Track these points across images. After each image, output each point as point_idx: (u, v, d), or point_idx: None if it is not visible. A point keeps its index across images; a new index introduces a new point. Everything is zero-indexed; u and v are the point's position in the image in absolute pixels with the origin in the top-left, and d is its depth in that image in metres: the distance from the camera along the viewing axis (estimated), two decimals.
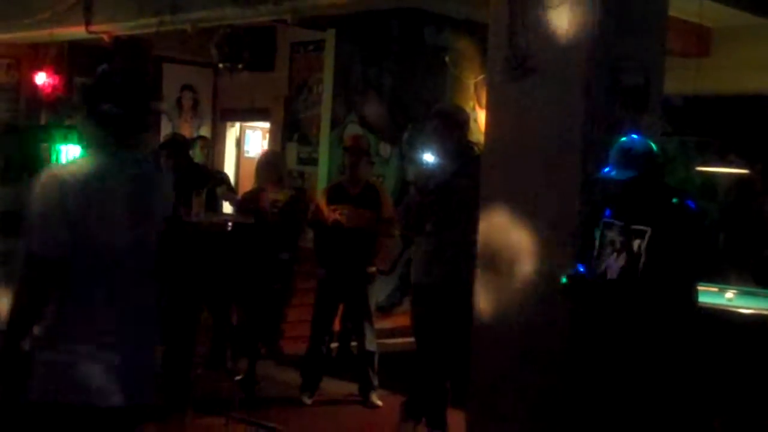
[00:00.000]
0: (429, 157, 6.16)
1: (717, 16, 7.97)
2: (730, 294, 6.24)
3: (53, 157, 10.94)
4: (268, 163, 7.77)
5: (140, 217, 3.42)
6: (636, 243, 4.63)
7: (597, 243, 4.81)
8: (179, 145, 8.28)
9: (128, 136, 3.41)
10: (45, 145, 11.08)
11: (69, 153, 11.00)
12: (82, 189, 3.26)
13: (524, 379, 5.33)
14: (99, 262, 3.30)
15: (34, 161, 5.29)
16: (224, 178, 9.60)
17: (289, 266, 7.57)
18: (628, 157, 4.67)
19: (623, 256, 4.67)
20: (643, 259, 4.59)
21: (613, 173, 4.68)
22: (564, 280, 4.85)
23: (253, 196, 7.77)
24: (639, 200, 4.71)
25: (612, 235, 4.75)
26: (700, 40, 8.87)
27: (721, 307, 5.81)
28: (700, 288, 4.96)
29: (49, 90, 11.42)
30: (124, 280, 3.37)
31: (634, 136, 4.79)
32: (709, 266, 5.34)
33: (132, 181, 3.42)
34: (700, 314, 4.89)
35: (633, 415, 4.68)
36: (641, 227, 4.63)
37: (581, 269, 4.81)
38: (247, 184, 8.82)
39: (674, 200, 4.75)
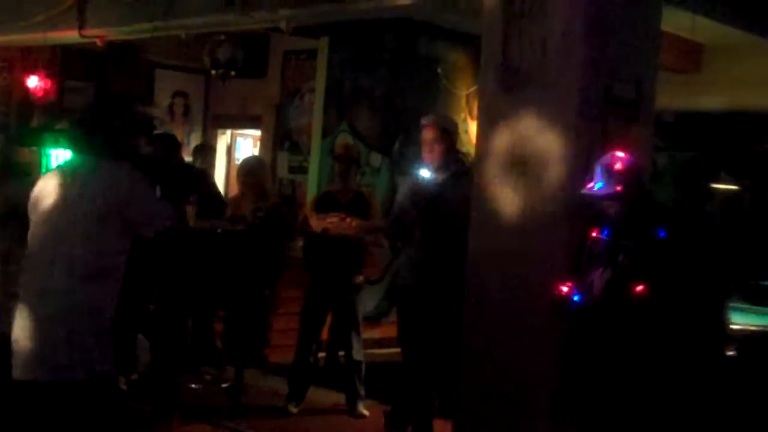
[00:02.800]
0: (419, 168, 6.17)
1: (709, 33, 8.02)
2: None
3: (43, 161, 10.92)
4: (248, 171, 7.74)
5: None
6: (620, 258, 4.65)
7: (584, 257, 4.83)
8: (170, 139, 8.27)
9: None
10: (34, 148, 11.05)
11: (59, 157, 10.98)
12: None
13: (512, 389, 5.33)
14: None
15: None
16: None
17: (275, 274, 7.56)
18: (612, 172, 4.69)
19: (608, 270, 4.69)
20: (626, 274, 4.61)
21: (597, 188, 4.71)
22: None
23: (234, 203, 7.77)
24: (623, 215, 4.73)
25: (599, 249, 4.77)
26: (691, 56, 8.92)
27: None
28: None
29: (41, 94, 11.40)
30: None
31: (618, 152, 4.81)
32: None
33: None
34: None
35: (620, 426, 4.69)
36: (625, 242, 4.66)
37: (575, 295, 4.81)
38: (235, 190, 8.81)
39: (660, 215, 4.78)
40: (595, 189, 4.71)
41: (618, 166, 4.69)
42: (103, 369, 3.93)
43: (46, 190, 4.01)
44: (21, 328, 3.94)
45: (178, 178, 7.60)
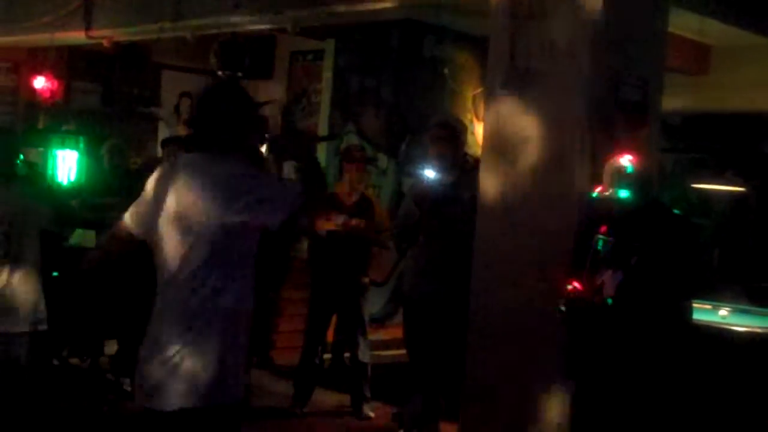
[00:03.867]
0: (425, 169, 6.16)
1: (717, 35, 8.00)
2: (724, 311, 6.24)
3: (50, 162, 10.94)
4: None
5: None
6: (632, 259, 4.64)
7: (591, 258, 4.82)
8: (182, 141, 8.31)
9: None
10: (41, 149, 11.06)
11: (66, 158, 10.99)
12: None
13: (516, 392, 5.33)
14: None
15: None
16: None
17: (281, 276, 7.56)
18: (624, 175, 4.68)
19: (619, 272, 4.67)
20: (638, 275, 4.61)
21: (609, 191, 4.70)
22: (562, 308, 4.85)
23: None
24: (634, 218, 4.72)
25: (607, 251, 4.76)
26: (699, 58, 8.90)
27: (715, 325, 5.81)
28: (693, 305, 4.97)
29: (47, 94, 11.41)
30: None
31: (629, 155, 4.81)
32: (702, 283, 5.36)
33: None
34: (694, 331, 4.90)
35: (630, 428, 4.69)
36: (636, 244, 4.65)
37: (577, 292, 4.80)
38: None
39: (668, 218, 4.79)
40: (609, 192, 4.70)
41: (632, 169, 4.69)
42: (216, 400, 3.43)
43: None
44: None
45: None
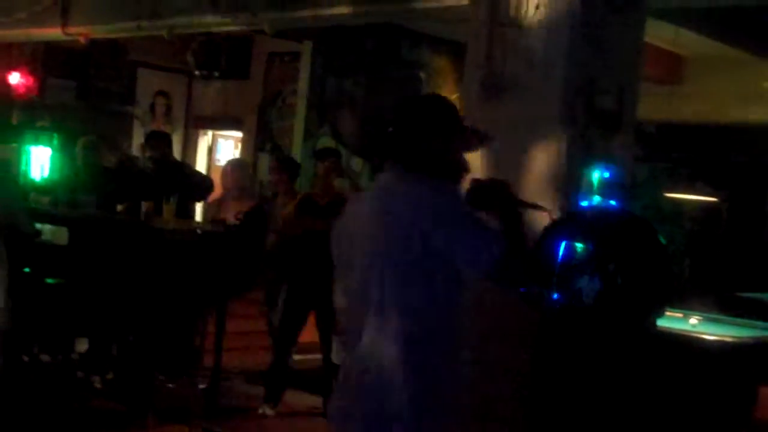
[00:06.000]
0: None
1: (691, 45, 8.07)
2: (694, 320, 6.28)
3: (23, 158, 10.89)
4: (232, 172, 7.80)
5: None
6: (610, 267, 4.66)
7: (562, 263, 4.82)
8: (162, 137, 8.30)
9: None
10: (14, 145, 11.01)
11: (39, 155, 10.94)
12: None
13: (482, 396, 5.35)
14: None
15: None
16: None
17: (253, 276, 7.56)
18: (604, 185, 4.70)
19: (597, 279, 4.68)
20: (617, 283, 4.62)
21: (588, 200, 4.71)
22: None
23: (215, 205, 7.77)
24: (612, 226, 4.74)
25: (581, 258, 4.76)
26: (673, 68, 8.97)
27: (686, 333, 5.85)
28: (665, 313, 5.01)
29: (22, 90, 11.36)
30: None
31: (607, 164, 4.82)
32: (674, 292, 5.40)
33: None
34: (659, 339, 4.94)
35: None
36: (614, 251, 4.67)
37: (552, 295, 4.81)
38: (217, 193, 8.80)
39: (643, 226, 4.81)
40: (585, 201, 4.71)
41: (608, 179, 4.71)
42: None
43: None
44: None
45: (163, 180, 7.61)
